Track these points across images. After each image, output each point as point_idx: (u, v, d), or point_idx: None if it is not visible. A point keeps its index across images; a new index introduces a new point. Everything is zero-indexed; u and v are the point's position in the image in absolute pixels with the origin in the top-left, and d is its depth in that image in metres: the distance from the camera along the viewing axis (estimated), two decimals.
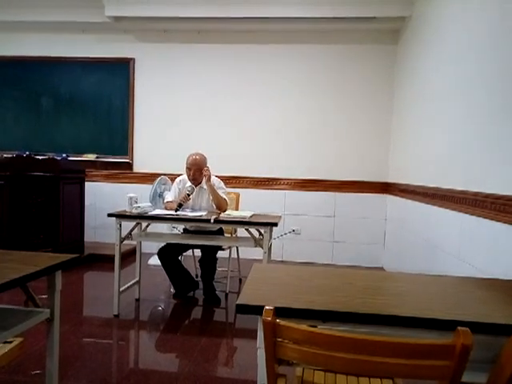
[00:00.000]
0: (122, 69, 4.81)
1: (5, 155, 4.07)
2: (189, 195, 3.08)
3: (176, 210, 2.95)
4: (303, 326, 0.98)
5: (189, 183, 3.20)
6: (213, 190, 3.12)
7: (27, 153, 4.38)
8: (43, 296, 1.57)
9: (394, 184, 4.23)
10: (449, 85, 2.84)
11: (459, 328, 0.91)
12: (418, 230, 3.34)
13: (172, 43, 4.74)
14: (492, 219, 2.11)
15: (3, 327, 1.36)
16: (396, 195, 4.11)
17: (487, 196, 2.17)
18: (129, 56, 4.79)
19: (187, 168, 3.21)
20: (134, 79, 4.81)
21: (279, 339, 1.01)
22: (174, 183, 3.33)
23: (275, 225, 2.87)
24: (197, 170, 3.17)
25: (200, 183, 3.23)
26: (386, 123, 4.50)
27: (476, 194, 2.31)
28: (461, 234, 2.49)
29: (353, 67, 4.53)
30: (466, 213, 2.41)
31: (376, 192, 4.52)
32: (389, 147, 4.50)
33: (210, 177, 3.12)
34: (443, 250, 2.74)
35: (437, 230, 2.90)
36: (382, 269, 4.41)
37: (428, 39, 3.40)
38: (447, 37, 2.95)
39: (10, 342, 1.49)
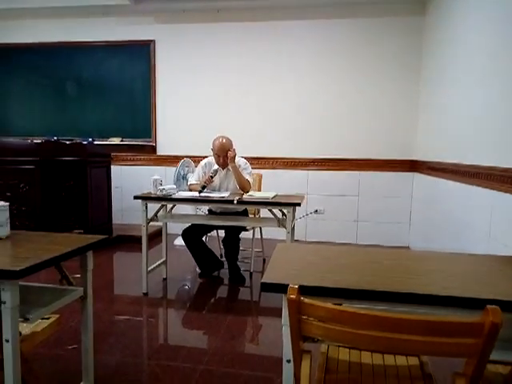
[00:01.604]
0: (143, 51, 4.82)
1: (34, 141, 4.19)
2: (212, 177, 3.10)
3: (200, 192, 2.99)
4: (328, 304, 0.99)
5: (215, 166, 3.20)
6: (236, 171, 3.13)
7: (55, 138, 4.50)
8: (76, 275, 1.64)
9: (421, 162, 4.12)
10: (485, 55, 2.69)
11: (488, 306, 0.90)
12: (447, 209, 3.25)
13: (191, 23, 4.69)
14: None
15: (41, 304, 1.44)
16: (424, 173, 4.00)
17: None
18: (149, 38, 4.79)
19: (216, 155, 3.19)
20: (155, 61, 4.82)
21: (304, 317, 1.02)
22: (199, 166, 3.35)
23: (298, 205, 2.87)
24: (226, 155, 3.15)
25: (227, 165, 3.24)
26: (414, 99, 4.34)
27: (506, 170, 2.22)
28: (491, 211, 2.42)
29: (378, 41, 4.37)
30: (496, 189, 2.33)
31: (402, 170, 4.41)
32: (416, 124, 4.36)
33: (234, 158, 3.12)
34: (473, 228, 2.67)
35: (466, 208, 2.82)
36: (407, 248, 4.35)
37: (458, 7, 3.23)
38: (480, 5, 2.79)
39: (48, 319, 1.57)
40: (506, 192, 2.22)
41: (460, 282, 1.22)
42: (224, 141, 3.18)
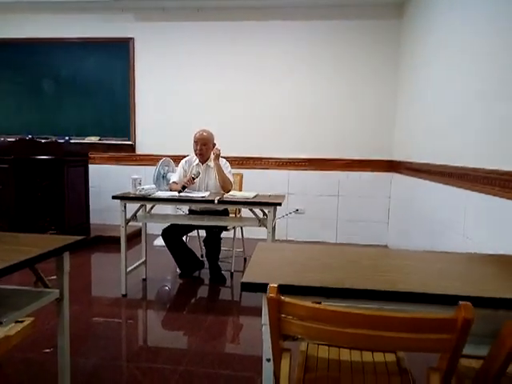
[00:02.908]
0: (122, 49, 4.74)
1: (8, 139, 4.06)
2: (194, 179, 3.09)
3: (179, 192, 2.96)
4: (307, 303, 1.00)
5: (196, 161, 3.20)
6: (219, 170, 3.13)
7: (30, 136, 4.38)
8: (52, 277, 1.60)
9: (399, 162, 4.21)
10: (459, 57, 2.77)
11: (461, 302, 0.93)
12: (424, 208, 3.34)
13: (171, 22, 4.65)
14: (497, 195, 2.10)
15: (15, 307, 1.39)
16: (402, 173, 4.09)
17: (490, 172, 2.16)
18: (128, 36, 4.71)
19: (194, 142, 3.21)
20: (134, 59, 4.75)
21: (283, 315, 1.03)
22: (180, 164, 3.33)
23: (279, 204, 2.88)
24: (203, 145, 3.17)
25: (207, 160, 3.24)
26: (391, 100, 4.43)
27: (476, 170, 2.29)
28: (465, 211, 2.49)
29: (356, 43, 4.44)
30: (469, 189, 2.41)
31: (380, 170, 4.50)
32: (394, 125, 4.45)
33: (218, 155, 3.12)
34: (449, 227, 2.75)
35: (442, 208, 2.90)
36: (386, 247, 4.44)
37: (434, 12, 3.31)
38: (454, 8, 2.87)
39: (22, 322, 1.53)
40: (479, 192, 2.30)
41: (435, 279, 1.25)
42: (205, 133, 3.23)
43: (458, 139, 2.67)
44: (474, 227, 2.37)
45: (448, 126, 2.86)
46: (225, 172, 3.17)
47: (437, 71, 3.16)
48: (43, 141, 4.08)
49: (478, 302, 1.03)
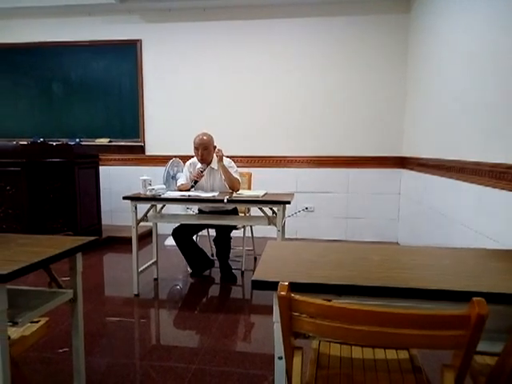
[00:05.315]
0: (130, 51, 4.78)
1: (20, 142, 4.13)
2: (202, 172, 3.14)
3: (191, 188, 3.02)
4: (318, 300, 1.00)
5: (199, 165, 3.23)
6: (225, 170, 3.13)
7: (41, 139, 4.44)
8: (66, 278, 1.63)
9: (409, 158, 4.16)
10: (471, 50, 2.72)
11: (474, 298, 0.92)
12: (434, 204, 3.30)
13: (178, 22, 4.67)
14: (510, 190, 2.07)
15: (29, 308, 1.42)
16: (412, 169, 4.05)
17: (508, 167, 2.12)
18: (136, 37, 4.75)
19: (195, 148, 3.22)
20: (141, 61, 4.78)
21: (295, 313, 1.03)
22: (185, 166, 3.35)
23: (288, 203, 2.88)
24: (204, 150, 3.18)
25: (209, 163, 3.25)
26: (400, 96, 4.39)
27: (494, 165, 2.26)
28: (478, 206, 2.46)
29: (364, 39, 4.40)
30: (483, 184, 2.37)
31: (390, 167, 4.46)
32: (403, 120, 4.41)
33: (222, 157, 3.13)
34: (460, 223, 2.71)
35: (453, 203, 2.87)
36: (396, 244, 4.40)
37: (441, 4, 3.27)
38: (463, 2, 2.83)
39: (37, 322, 1.56)
40: (493, 187, 2.26)
41: (447, 275, 1.24)
42: (204, 137, 3.21)
43: (470, 133, 2.64)
44: (487, 223, 2.34)
45: (460, 119, 2.82)
46: (231, 172, 3.17)
47: (446, 64, 3.12)
48: (54, 144, 4.14)
49: (492, 297, 1.02)
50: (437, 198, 3.23)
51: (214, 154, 3.20)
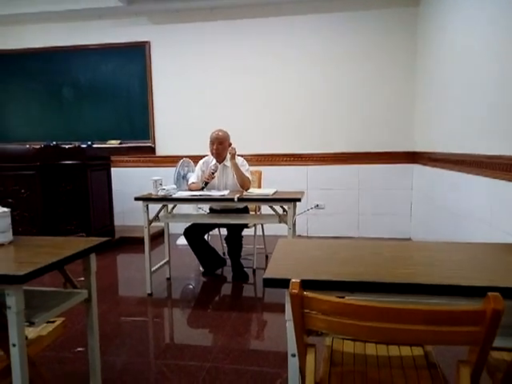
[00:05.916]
0: (139, 53, 4.81)
1: (34, 146, 4.19)
2: (213, 173, 3.14)
3: (202, 189, 3.03)
4: (330, 297, 1.00)
5: (213, 162, 3.24)
6: (236, 168, 3.15)
7: (54, 143, 4.50)
8: (80, 278, 1.65)
9: (421, 153, 4.11)
10: (482, 43, 2.68)
11: (489, 293, 0.90)
12: (447, 199, 3.25)
13: (186, 23, 4.68)
14: None
15: (45, 308, 1.44)
16: (424, 164, 3.99)
17: None
18: (144, 40, 4.78)
19: (210, 142, 3.24)
20: (150, 62, 4.81)
21: (307, 311, 1.02)
22: (198, 165, 3.37)
23: (298, 200, 2.87)
24: (219, 145, 3.20)
25: (223, 160, 3.26)
26: (410, 90, 4.34)
27: (503, 157, 2.22)
28: (492, 200, 2.42)
29: (372, 34, 4.36)
30: (498, 178, 2.33)
31: (401, 162, 4.41)
32: (413, 115, 4.35)
33: (234, 155, 3.14)
34: (474, 217, 2.67)
35: (466, 198, 2.82)
36: (409, 239, 4.36)
37: None
38: None
39: (53, 322, 1.58)
40: (508, 181, 2.22)
41: (461, 270, 1.22)
42: (220, 133, 3.25)
43: (484, 126, 2.59)
44: (500, 217, 2.29)
45: (469, 114, 2.77)
46: (242, 170, 3.18)
47: (456, 57, 3.07)
48: (67, 147, 4.19)
49: (508, 292, 1.00)
50: (450, 192, 3.19)
51: (228, 152, 3.22)
